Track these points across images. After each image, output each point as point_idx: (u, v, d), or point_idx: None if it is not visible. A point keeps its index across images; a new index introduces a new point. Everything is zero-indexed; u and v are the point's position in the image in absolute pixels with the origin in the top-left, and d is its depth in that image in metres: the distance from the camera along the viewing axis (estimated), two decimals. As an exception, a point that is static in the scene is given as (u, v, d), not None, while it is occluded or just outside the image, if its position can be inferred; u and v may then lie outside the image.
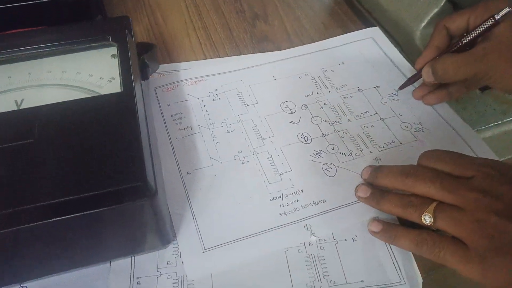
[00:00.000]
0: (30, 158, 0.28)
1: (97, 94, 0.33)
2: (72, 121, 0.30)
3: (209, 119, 0.43)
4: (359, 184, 0.37)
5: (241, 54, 0.50)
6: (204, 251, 0.34)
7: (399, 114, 0.43)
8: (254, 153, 0.40)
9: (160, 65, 0.47)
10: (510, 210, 0.28)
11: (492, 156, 0.39)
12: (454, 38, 0.40)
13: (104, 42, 0.37)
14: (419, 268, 0.33)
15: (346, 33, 0.52)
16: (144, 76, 0.40)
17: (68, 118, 0.30)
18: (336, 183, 0.38)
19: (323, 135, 0.42)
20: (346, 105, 0.44)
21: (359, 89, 0.46)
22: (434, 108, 0.44)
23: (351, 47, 0.50)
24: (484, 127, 0.44)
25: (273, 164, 0.40)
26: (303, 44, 0.51)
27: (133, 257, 0.33)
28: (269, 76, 0.47)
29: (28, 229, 0.26)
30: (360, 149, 0.41)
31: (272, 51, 0.50)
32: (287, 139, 0.41)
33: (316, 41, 0.51)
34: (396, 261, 0.33)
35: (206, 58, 0.50)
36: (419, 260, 0.33)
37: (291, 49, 0.50)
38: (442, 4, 0.48)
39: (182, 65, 0.49)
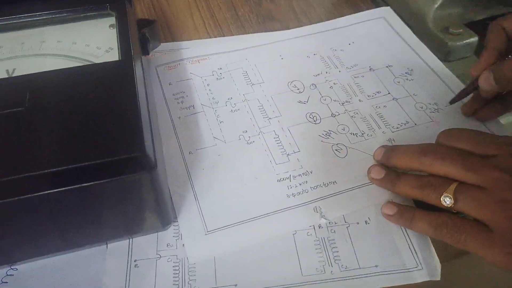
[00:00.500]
0: (20, 127, 0.25)
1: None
2: (65, 89, 0.28)
3: (213, 98, 0.41)
4: (372, 165, 0.35)
5: (246, 34, 0.48)
6: (206, 233, 0.32)
7: (413, 94, 0.41)
8: (260, 133, 0.38)
9: (161, 44, 0.45)
10: None
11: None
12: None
13: (102, 12, 0.35)
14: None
15: (355, 12, 0.50)
16: (145, 50, 0.38)
17: (62, 86, 0.28)
18: (347, 164, 0.36)
19: (333, 115, 0.40)
20: (357, 84, 0.42)
21: (370, 69, 0.43)
22: (450, 88, 0.41)
23: (361, 26, 0.48)
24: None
25: (280, 144, 0.37)
26: (311, 23, 0.49)
27: (131, 239, 0.31)
28: (276, 55, 0.45)
29: (15, 203, 0.24)
30: (372, 130, 0.38)
31: (278, 30, 0.48)
32: (295, 119, 0.39)
33: (324, 20, 0.49)
34: (413, 245, 0.31)
35: (210, 37, 0.48)
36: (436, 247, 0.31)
37: (299, 28, 0.48)
38: None
39: (185, 43, 0.46)
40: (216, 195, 0.34)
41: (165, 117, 0.39)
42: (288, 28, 0.48)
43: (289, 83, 0.42)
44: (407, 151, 0.32)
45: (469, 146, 0.29)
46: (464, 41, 0.45)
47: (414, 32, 0.48)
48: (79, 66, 0.29)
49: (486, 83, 0.34)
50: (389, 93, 0.41)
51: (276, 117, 0.39)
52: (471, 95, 0.38)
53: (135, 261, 0.30)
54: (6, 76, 0.30)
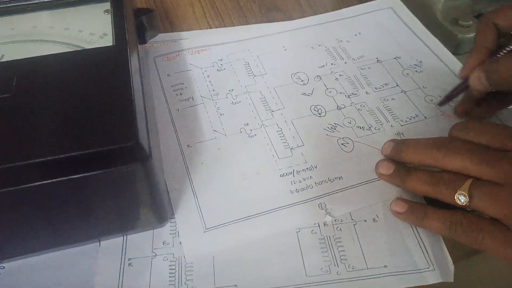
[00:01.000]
0: (5, 114, 0.24)
1: (87, 50, 0.29)
2: (55, 75, 0.26)
3: (213, 90, 0.39)
4: (380, 160, 0.33)
5: (248, 24, 0.46)
6: (205, 230, 0.30)
7: (423, 86, 0.39)
8: (262, 126, 0.36)
9: (160, 34, 0.43)
10: None
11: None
12: (504, 36, 0.33)
13: (97, -4, 0.33)
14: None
15: (361, 3, 0.48)
16: (142, 39, 0.36)
17: (51, 72, 0.26)
18: (354, 159, 0.34)
19: (338, 108, 0.38)
20: (363, 76, 0.40)
21: (377, 60, 0.42)
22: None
23: (368, 17, 0.46)
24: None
25: (283, 137, 0.36)
26: (315, 14, 0.47)
27: (125, 236, 0.29)
28: (279, 46, 0.43)
29: (1, 195, 0.22)
30: (380, 123, 0.36)
31: (282, 21, 0.46)
32: (298, 112, 0.37)
33: (330, 10, 0.47)
34: (424, 244, 0.29)
35: (211, 28, 0.46)
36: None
37: (303, 18, 0.46)
38: None
39: (184, 34, 0.45)
40: (215, 191, 0.32)
41: (163, 109, 0.38)
42: (292, 19, 0.47)
43: (293, 75, 0.41)
44: (418, 145, 0.30)
45: (485, 140, 0.28)
46: (474, 33, 0.42)
47: (422, 24, 0.46)
48: (70, 52, 0.28)
49: (478, 82, 0.31)
50: (397, 85, 0.39)
51: (279, 109, 0.38)
52: (462, 95, 0.36)
53: (129, 259, 0.29)
54: (-6, 61, 0.28)
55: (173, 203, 0.31)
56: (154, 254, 0.29)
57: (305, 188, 0.32)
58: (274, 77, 0.40)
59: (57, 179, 0.22)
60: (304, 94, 0.39)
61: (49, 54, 0.27)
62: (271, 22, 0.46)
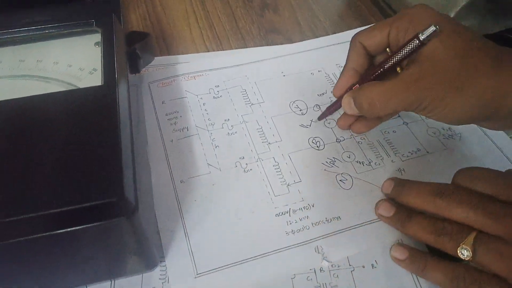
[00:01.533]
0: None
1: (75, 88, 0.28)
2: (38, 120, 0.25)
3: (208, 120, 0.38)
4: (380, 200, 0.32)
5: (246, 47, 0.45)
6: (196, 276, 0.29)
7: (425, 118, 0.38)
8: (259, 160, 0.35)
9: (156, 58, 0.42)
10: None
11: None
12: (374, 57, 0.32)
13: (87, 28, 0.32)
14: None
15: (364, 25, 0.46)
16: (135, 69, 0.35)
17: (35, 117, 0.25)
18: (353, 197, 0.33)
19: (337, 141, 0.36)
20: (364, 106, 0.39)
21: (379, 89, 0.40)
22: (466, 112, 0.38)
23: (370, 41, 0.45)
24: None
25: (279, 173, 0.34)
26: (316, 37, 0.46)
27: (113, 281, 0.28)
28: (277, 72, 0.42)
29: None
30: (381, 158, 0.35)
31: (281, 43, 0.45)
32: (296, 144, 0.36)
33: (331, 33, 0.46)
34: (424, 295, 0.28)
35: (208, 51, 0.45)
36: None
37: (302, 42, 0.45)
38: None
39: (181, 57, 0.43)
40: (208, 232, 0.31)
41: (157, 140, 0.36)
42: (292, 41, 0.45)
43: (291, 103, 0.39)
44: (420, 190, 0.28)
45: (491, 190, 0.26)
46: None
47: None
48: (56, 93, 0.26)
49: (348, 107, 0.31)
50: (399, 116, 0.38)
51: (276, 142, 0.36)
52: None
53: (117, 306, 0.28)
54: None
55: (164, 245, 0.30)
56: (143, 301, 0.28)
57: (302, 229, 0.31)
58: (272, 105, 0.39)
59: (40, 235, 0.21)
60: (302, 125, 0.38)
61: (33, 96, 0.26)
62: (270, 44, 0.45)
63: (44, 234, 0.21)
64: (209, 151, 0.36)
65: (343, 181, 0.34)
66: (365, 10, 0.50)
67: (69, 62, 0.30)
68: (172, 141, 0.36)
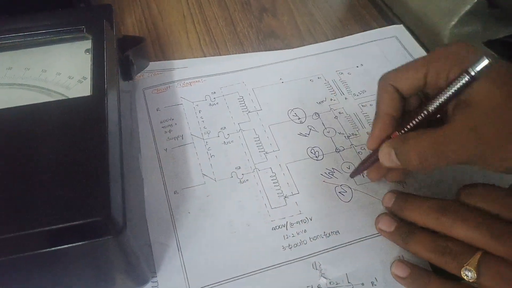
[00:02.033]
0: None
1: (63, 97, 0.27)
2: (24, 133, 0.24)
3: (204, 128, 0.37)
4: (380, 214, 0.30)
5: (244, 52, 0.44)
6: (189, 292, 0.28)
7: (428, 127, 0.37)
8: (255, 170, 0.34)
9: (151, 63, 0.41)
10: None
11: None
12: (407, 100, 0.29)
13: (77, 34, 0.31)
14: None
15: (366, 29, 0.45)
16: (128, 76, 0.34)
17: (19, 130, 0.24)
18: (352, 210, 0.32)
19: (337, 151, 0.35)
20: (365, 115, 0.38)
21: (380, 97, 0.39)
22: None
23: (371, 46, 0.44)
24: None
25: (277, 184, 0.33)
26: (316, 41, 0.45)
27: (101, 298, 0.27)
28: (275, 78, 0.41)
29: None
30: (382, 169, 0.34)
31: (280, 49, 0.44)
32: (294, 154, 0.35)
33: (331, 38, 0.45)
34: (426, 315, 0.27)
35: (205, 56, 0.43)
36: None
37: (302, 47, 0.44)
38: (475, 0, 0.41)
39: (176, 63, 0.42)
40: (202, 245, 0.30)
41: (150, 149, 0.35)
42: (291, 47, 0.44)
43: (289, 111, 0.38)
44: (423, 206, 0.27)
45: (497, 209, 0.25)
46: None
47: (428, 51, 0.44)
48: (43, 103, 0.25)
49: (388, 160, 0.27)
50: (400, 125, 0.37)
51: (274, 151, 0.35)
52: None
53: (105, 324, 0.26)
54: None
55: (156, 259, 0.29)
56: (133, 320, 0.27)
57: (299, 244, 0.30)
58: (270, 113, 0.38)
59: (24, 254, 0.20)
60: (300, 134, 0.36)
61: (17, 107, 0.25)
62: (269, 49, 0.44)
63: (29, 253, 0.21)
64: (204, 161, 0.35)
65: (343, 193, 0.33)
66: (366, 14, 0.49)
67: (58, 70, 0.29)
68: (166, 150, 0.35)
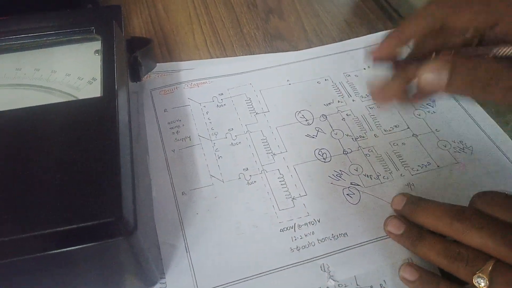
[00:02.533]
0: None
1: (73, 98, 0.27)
2: (35, 134, 0.24)
3: (212, 129, 0.37)
4: (389, 216, 0.30)
5: (251, 53, 0.44)
6: (197, 293, 0.28)
7: (436, 130, 0.37)
8: (263, 172, 0.34)
9: (158, 64, 0.41)
10: None
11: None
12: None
13: (87, 35, 0.31)
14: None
15: (372, 32, 0.45)
16: (136, 77, 0.34)
17: (30, 131, 0.24)
18: (360, 212, 0.32)
19: (344, 153, 0.35)
20: (372, 117, 0.38)
21: (388, 99, 0.39)
22: (478, 124, 0.37)
23: (378, 49, 0.43)
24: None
25: (284, 185, 0.33)
26: (322, 43, 0.44)
27: (110, 299, 0.27)
28: (283, 80, 0.41)
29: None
30: (389, 172, 0.34)
31: (287, 51, 0.44)
32: (302, 156, 0.35)
33: (338, 40, 0.45)
34: (435, 318, 0.27)
35: (212, 58, 0.44)
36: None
37: (309, 49, 0.44)
38: None
39: (184, 64, 0.42)
40: (210, 247, 0.30)
41: (158, 150, 0.35)
42: (297, 49, 0.44)
43: (297, 113, 0.38)
44: (436, 211, 0.27)
45: (510, 217, 0.25)
46: None
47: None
48: (54, 104, 0.25)
49: (434, 81, 0.22)
50: (408, 127, 0.37)
51: (281, 153, 0.35)
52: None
53: (114, 325, 0.26)
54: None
55: (164, 260, 0.29)
56: (141, 321, 0.27)
57: (307, 246, 0.30)
58: (277, 115, 0.38)
59: (36, 255, 0.20)
60: (308, 135, 0.36)
61: (28, 107, 0.25)
62: (275, 51, 0.44)
63: (40, 254, 0.21)
64: (212, 162, 0.35)
65: (350, 195, 0.33)
66: (372, 16, 0.49)
67: (67, 71, 0.29)
68: (174, 150, 0.35)
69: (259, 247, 0.30)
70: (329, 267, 0.29)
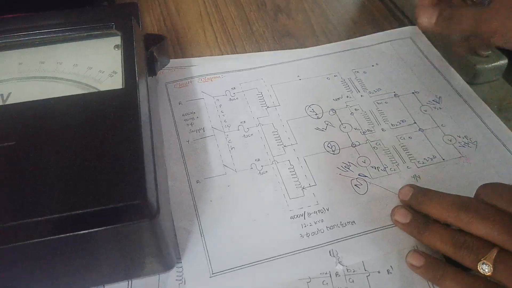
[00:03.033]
0: (8, 165, 0.23)
1: (95, 90, 0.29)
2: (61, 122, 0.25)
3: (224, 121, 0.38)
4: (397, 206, 0.32)
5: (260, 51, 0.45)
6: (211, 275, 0.29)
7: (442, 125, 0.38)
8: (274, 162, 0.35)
9: (171, 60, 0.42)
10: None
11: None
12: None
13: (107, 31, 0.32)
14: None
15: (378, 30, 0.47)
16: (152, 71, 0.35)
17: (57, 119, 0.25)
18: (368, 202, 0.33)
19: (353, 145, 0.37)
20: (380, 111, 0.39)
21: (395, 94, 0.40)
22: (482, 120, 0.38)
23: (386, 47, 0.45)
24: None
25: (295, 176, 0.35)
26: (330, 41, 0.46)
27: (130, 281, 0.28)
28: (293, 76, 0.42)
29: (5, 251, 0.21)
30: (396, 164, 0.35)
31: (295, 48, 0.45)
32: (311, 148, 0.36)
33: (344, 38, 0.46)
34: (440, 301, 0.28)
35: (222, 54, 0.45)
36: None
37: (319, 46, 0.45)
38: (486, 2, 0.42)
39: (196, 60, 0.44)
40: (223, 232, 0.31)
41: (173, 141, 0.37)
42: (305, 46, 0.45)
43: (307, 107, 0.39)
44: (443, 202, 0.28)
45: None
46: (493, 64, 0.41)
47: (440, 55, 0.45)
48: (77, 95, 0.27)
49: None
50: (414, 122, 0.38)
51: (292, 145, 0.37)
52: None
53: (133, 305, 0.28)
54: (0, 102, 0.27)
55: (180, 244, 0.31)
56: (159, 301, 0.28)
57: (316, 233, 0.31)
58: (288, 109, 0.39)
59: (62, 236, 0.22)
60: (317, 128, 0.38)
61: (55, 98, 0.26)
62: (284, 48, 0.45)
63: (70, 234, 0.22)
64: (225, 152, 0.36)
65: (358, 185, 0.34)
66: (378, 14, 0.50)
67: (89, 65, 0.31)
68: (188, 141, 0.37)
69: (270, 233, 0.31)
70: (337, 252, 0.30)
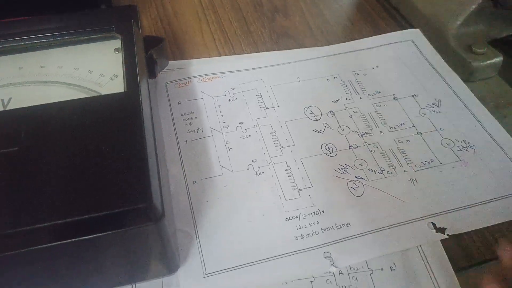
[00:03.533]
0: (11, 171, 0.23)
1: (96, 94, 0.29)
2: (64, 127, 0.25)
3: (223, 122, 0.39)
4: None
5: (258, 51, 0.45)
6: (205, 276, 0.30)
7: (440, 128, 0.38)
8: (271, 163, 0.36)
9: (169, 62, 0.42)
10: None
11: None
12: None
13: (107, 34, 0.32)
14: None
15: (375, 29, 0.47)
16: (152, 73, 0.36)
17: (60, 124, 0.26)
18: (363, 204, 0.33)
19: (350, 148, 0.37)
20: (378, 114, 0.39)
21: (394, 97, 0.40)
22: (482, 124, 0.38)
23: (387, 49, 0.45)
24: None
25: (291, 177, 0.35)
26: (327, 41, 0.46)
27: (134, 285, 0.29)
28: (293, 77, 0.42)
29: (10, 257, 0.22)
30: (393, 167, 0.35)
31: (293, 48, 0.45)
32: (309, 150, 0.36)
33: (342, 37, 0.46)
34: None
35: (220, 55, 0.45)
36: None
37: (319, 47, 0.45)
38: (481, 0, 0.42)
39: (195, 61, 0.44)
40: (218, 232, 0.32)
41: (171, 140, 0.37)
42: (304, 46, 0.45)
43: (306, 109, 0.40)
44: None
45: None
46: (489, 61, 0.41)
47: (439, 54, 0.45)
48: (79, 99, 0.27)
49: None
50: (413, 126, 0.38)
51: (289, 146, 0.37)
52: None
53: (132, 305, 0.29)
54: (1, 107, 0.28)
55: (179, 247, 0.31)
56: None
57: (311, 235, 0.32)
58: (286, 110, 0.39)
59: (69, 241, 0.22)
60: (315, 130, 0.38)
61: (57, 102, 0.26)
62: (282, 49, 0.45)
63: (75, 239, 0.22)
64: (223, 153, 0.36)
65: (355, 188, 0.34)
66: (375, 15, 0.50)
67: (89, 68, 0.31)
68: (186, 141, 0.37)
69: (266, 234, 0.32)
70: (331, 254, 0.31)
